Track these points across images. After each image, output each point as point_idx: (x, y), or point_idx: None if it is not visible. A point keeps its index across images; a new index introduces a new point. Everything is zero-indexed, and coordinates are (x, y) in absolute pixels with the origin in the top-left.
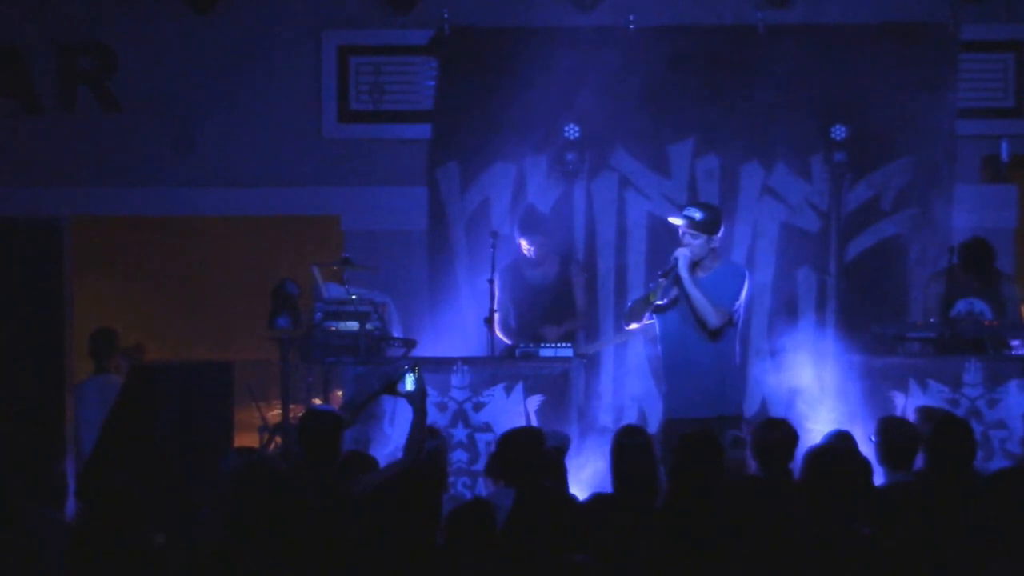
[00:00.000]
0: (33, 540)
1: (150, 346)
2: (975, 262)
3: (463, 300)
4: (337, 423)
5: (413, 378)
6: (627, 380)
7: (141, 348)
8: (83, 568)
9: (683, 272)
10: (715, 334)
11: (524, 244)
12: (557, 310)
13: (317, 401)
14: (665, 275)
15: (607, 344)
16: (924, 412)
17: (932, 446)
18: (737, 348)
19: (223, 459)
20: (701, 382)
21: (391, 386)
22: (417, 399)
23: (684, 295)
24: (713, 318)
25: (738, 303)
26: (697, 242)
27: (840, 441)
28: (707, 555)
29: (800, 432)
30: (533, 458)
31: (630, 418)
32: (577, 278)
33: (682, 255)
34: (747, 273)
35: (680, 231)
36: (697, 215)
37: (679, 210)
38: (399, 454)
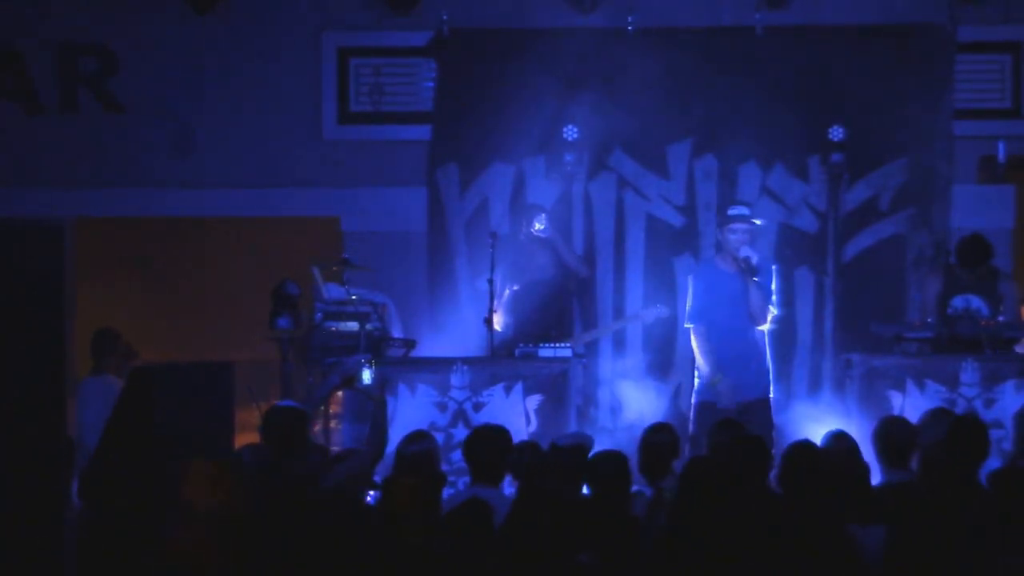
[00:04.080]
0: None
1: (150, 347)
2: (972, 258)
3: (463, 300)
4: (301, 417)
5: (371, 372)
6: (627, 376)
7: (132, 352)
8: (87, 567)
9: (752, 271)
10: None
11: (537, 224)
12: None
13: (312, 394)
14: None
15: (603, 333)
16: (934, 414)
17: (948, 445)
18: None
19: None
20: (741, 370)
21: (349, 380)
22: (375, 392)
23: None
24: (765, 317)
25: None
26: (752, 238)
27: (838, 441)
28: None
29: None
30: (497, 457)
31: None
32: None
33: (752, 255)
34: (772, 263)
35: (740, 230)
36: (747, 211)
37: (726, 212)
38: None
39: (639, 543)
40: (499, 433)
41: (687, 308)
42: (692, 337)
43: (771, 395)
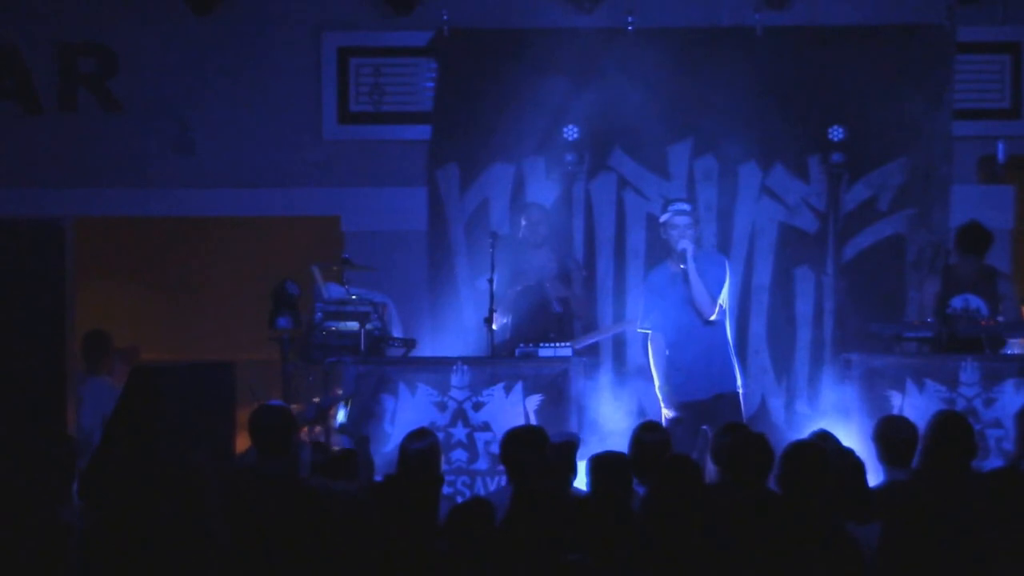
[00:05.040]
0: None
1: (150, 347)
2: (974, 244)
3: (463, 300)
4: (288, 418)
5: (346, 412)
6: (627, 378)
7: (135, 350)
8: (87, 567)
9: (690, 264)
10: (712, 320)
11: (522, 222)
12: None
13: (316, 401)
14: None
15: (603, 335)
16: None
17: (930, 443)
18: (728, 326)
19: (240, 457)
20: (704, 366)
21: (323, 417)
22: (352, 431)
23: (687, 286)
24: (709, 309)
25: (723, 288)
26: (693, 232)
27: (821, 442)
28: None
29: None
30: (535, 458)
31: (631, 416)
32: (576, 274)
33: (688, 247)
34: (724, 258)
35: (681, 224)
36: (688, 206)
37: (667, 208)
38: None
39: (638, 542)
40: (534, 434)
41: (642, 313)
42: (649, 343)
43: (739, 388)
